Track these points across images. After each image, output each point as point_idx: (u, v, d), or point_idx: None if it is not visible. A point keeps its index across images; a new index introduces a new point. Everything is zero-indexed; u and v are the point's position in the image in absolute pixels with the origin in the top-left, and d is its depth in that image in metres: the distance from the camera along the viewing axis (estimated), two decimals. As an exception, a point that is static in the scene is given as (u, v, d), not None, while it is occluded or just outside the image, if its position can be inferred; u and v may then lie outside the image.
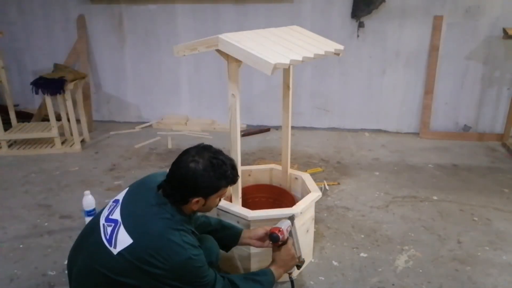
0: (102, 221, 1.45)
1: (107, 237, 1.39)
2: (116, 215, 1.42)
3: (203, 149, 1.48)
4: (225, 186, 1.49)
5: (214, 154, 1.46)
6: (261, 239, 1.72)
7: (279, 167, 2.27)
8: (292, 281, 1.70)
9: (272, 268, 1.62)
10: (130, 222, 1.39)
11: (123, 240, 1.35)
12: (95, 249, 1.41)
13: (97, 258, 1.39)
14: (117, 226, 1.39)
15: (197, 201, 1.44)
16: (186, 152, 1.47)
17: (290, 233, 1.66)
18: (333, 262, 2.11)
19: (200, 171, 1.40)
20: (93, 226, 1.48)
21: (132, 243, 1.34)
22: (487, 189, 2.90)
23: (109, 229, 1.40)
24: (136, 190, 1.52)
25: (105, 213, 1.48)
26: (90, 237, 1.47)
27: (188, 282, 1.39)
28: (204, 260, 1.43)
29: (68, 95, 3.54)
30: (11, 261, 2.12)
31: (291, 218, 1.68)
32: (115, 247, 1.35)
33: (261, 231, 1.71)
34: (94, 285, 1.41)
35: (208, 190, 1.45)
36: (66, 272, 1.57)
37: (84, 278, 1.43)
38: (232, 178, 1.50)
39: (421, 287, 1.92)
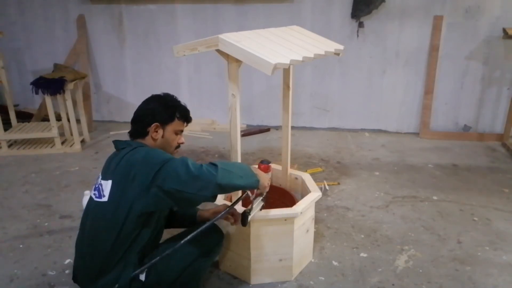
0: (91, 194, 1.59)
1: (97, 196, 1.53)
2: (97, 182, 1.57)
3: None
4: (180, 118, 1.66)
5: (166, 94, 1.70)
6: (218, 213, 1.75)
7: (279, 167, 2.27)
8: (245, 215, 1.66)
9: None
10: (109, 172, 1.53)
11: (106, 185, 1.50)
12: (94, 216, 1.53)
13: (99, 222, 1.50)
14: (100, 185, 1.54)
15: (155, 129, 1.59)
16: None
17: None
18: (333, 262, 2.11)
19: (153, 101, 1.64)
20: (85, 212, 1.62)
21: (112, 182, 1.49)
22: (487, 189, 2.90)
23: (95, 192, 1.55)
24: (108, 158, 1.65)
25: (91, 193, 1.61)
26: (87, 216, 1.58)
27: (151, 165, 1.43)
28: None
29: (68, 95, 3.54)
30: (11, 261, 2.12)
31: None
32: (104, 196, 1.49)
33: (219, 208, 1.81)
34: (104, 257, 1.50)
35: (162, 115, 1.61)
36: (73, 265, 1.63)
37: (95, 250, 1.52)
38: (184, 110, 1.69)
39: (421, 287, 1.93)
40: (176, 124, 1.65)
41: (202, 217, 1.85)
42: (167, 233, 1.77)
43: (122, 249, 1.49)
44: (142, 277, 1.52)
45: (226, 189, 1.47)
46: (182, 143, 1.71)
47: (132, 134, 1.64)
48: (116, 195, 1.47)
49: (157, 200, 1.43)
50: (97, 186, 1.55)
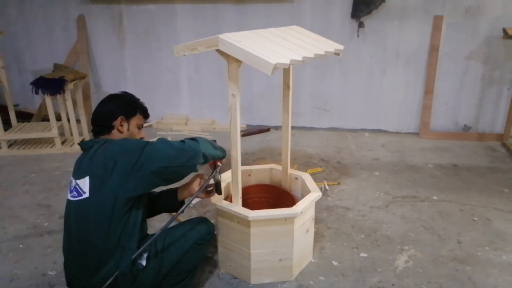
0: (68, 197, 1.59)
1: (76, 196, 1.53)
2: (72, 184, 1.59)
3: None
4: (140, 113, 1.74)
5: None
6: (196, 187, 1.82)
7: (279, 167, 2.27)
8: (218, 185, 1.81)
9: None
10: (81, 170, 1.55)
11: (84, 183, 1.52)
12: (78, 216, 1.53)
13: (85, 219, 1.51)
14: (75, 184, 1.55)
15: (121, 122, 1.66)
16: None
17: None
18: (333, 262, 2.11)
19: (115, 99, 1.74)
20: (67, 217, 1.61)
21: (89, 177, 1.50)
22: (487, 189, 2.90)
23: (74, 193, 1.55)
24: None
25: (68, 196, 1.61)
26: (70, 218, 1.58)
27: (129, 153, 1.49)
28: None
29: (68, 95, 3.54)
30: (11, 261, 2.13)
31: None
32: (85, 193, 1.51)
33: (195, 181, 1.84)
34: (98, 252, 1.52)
35: (126, 109, 1.69)
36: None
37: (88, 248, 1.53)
38: (143, 106, 1.77)
39: (421, 287, 1.93)
40: (138, 119, 1.74)
41: (183, 196, 1.89)
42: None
43: (115, 237, 1.51)
44: (143, 262, 1.57)
45: (207, 158, 1.62)
46: (143, 137, 1.77)
47: (97, 132, 1.68)
48: (97, 187, 1.49)
49: (145, 183, 1.49)
50: (72, 188, 1.56)
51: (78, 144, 1.66)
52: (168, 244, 1.66)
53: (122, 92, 1.80)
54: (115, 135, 1.67)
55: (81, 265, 1.55)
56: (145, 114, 1.79)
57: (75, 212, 1.55)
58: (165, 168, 1.47)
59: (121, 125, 1.67)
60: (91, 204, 1.50)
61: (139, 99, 1.79)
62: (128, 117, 1.70)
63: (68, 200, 1.58)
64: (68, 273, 1.64)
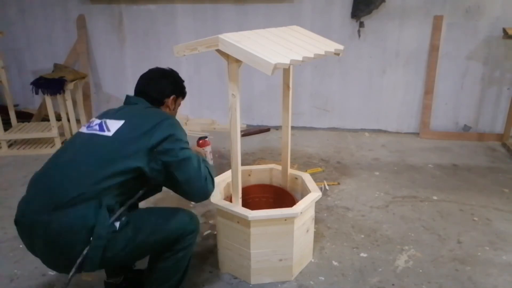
0: (83, 130, 1.55)
1: (98, 130, 1.49)
2: (97, 121, 1.55)
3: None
4: (184, 96, 1.81)
5: None
6: None
7: (279, 167, 2.27)
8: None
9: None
10: (119, 114, 1.56)
11: (115, 124, 1.50)
12: (88, 144, 1.47)
13: (94, 149, 1.44)
14: (103, 121, 1.52)
15: (173, 99, 1.73)
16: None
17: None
18: (333, 262, 2.11)
19: (170, 75, 1.77)
20: (65, 146, 1.54)
21: (125, 122, 1.50)
22: (487, 189, 2.90)
23: (95, 127, 1.51)
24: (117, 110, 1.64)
25: (81, 129, 1.57)
26: (67, 148, 1.51)
27: (173, 141, 1.49)
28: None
29: (68, 95, 3.54)
30: (11, 261, 2.13)
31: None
32: (108, 131, 1.47)
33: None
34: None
35: (179, 88, 1.76)
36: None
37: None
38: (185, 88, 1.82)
39: (421, 287, 1.93)
40: (181, 100, 1.81)
41: None
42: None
43: (103, 187, 1.38)
44: (117, 224, 1.40)
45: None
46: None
47: (146, 101, 1.68)
48: (125, 134, 1.46)
49: (155, 171, 1.48)
50: (93, 124, 1.53)
51: (126, 96, 1.69)
52: (146, 219, 1.50)
53: (169, 68, 1.82)
54: (163, 110, 1.72)
55: (47, 198, 1.36)
56: (184, 97, 1.85)
57: (82, 142, 1.48)
58: (183, 182, 1.51)
59: (173, 101, 1.75)
60: (106, 143, 1.44)
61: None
62: (179, 97, 1.77)
63: (79, 132, 1.55)
64: (24, 207, 1.43)
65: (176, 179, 1.51)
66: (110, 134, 1.46)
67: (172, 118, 1.57)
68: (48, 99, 3.49)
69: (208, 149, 1.92)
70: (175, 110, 1.79)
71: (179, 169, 1.50)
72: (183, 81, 1.82)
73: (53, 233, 1.34)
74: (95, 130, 1.49)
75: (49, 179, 1.42)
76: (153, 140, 1.45)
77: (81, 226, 1.34)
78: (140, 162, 1.44)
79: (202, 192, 1.57)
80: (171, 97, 1.73)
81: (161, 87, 1.71)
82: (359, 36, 3.82)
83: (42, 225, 1.35)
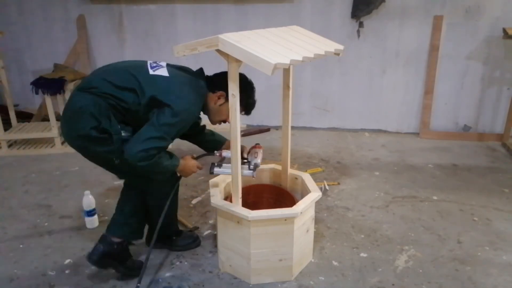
0: (148, 61, 1.84)
1: (151, 64, 1.80)
2: (161, 64, 1.85)
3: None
4: (245, 108, 1.90)
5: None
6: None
7: (279, 167, 2.27)
8: (212, 165, 2.00)
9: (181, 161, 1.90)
10: (171, 70, 1.82)
11: (161, 71, 1.78)
12: (137, 63, 1.83)
13: (135, 66, 1.78)
14: (160, 66, 1.82)
15: (219, 96, 1.84)
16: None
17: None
18: (333, 262, 2.11)
19: (248, 84, 1.88)
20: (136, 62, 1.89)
21: (167, 76, 1.76)
22: (487, 189, 2.90)
23: (153, 64, 1.82)
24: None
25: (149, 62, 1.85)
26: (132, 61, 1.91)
27: (165, 112, 1.68)
28: (182, 126, 1.76)
29: (68, 95, 3.53)
30: (11, 261, 2.13)
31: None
32: (153, 71, 1.76)
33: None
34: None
35: (242, 99, 1.74)
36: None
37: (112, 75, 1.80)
38: (251, 104, 1.92)
39: (421, 287, 1.93)
40: (228, 107, 1.80)
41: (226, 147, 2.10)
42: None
43: (119, 101, 1.70)
44: (126, 134, 1.73)
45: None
46: (227, 121, 1.86)
47: (206, 80, 1.88)
48: (153, 82, 1.72)
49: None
50: (157, 63, 1.84)
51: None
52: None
53: (250, 80, 1.90)
54: (208, 97, 1.85)
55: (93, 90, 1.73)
56: (247, 111, 1.94)
57: (137, 63, 1.84)
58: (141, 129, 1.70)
59: (218, 98, 1.84)
60: (139, 73, 1.73)
61: (255, 101, 1.94)
62: (226, 101, 1.79)
63: (144, 62, 1.86)
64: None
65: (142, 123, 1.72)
66: (150, 72, 1.75)
67: (189, 104, 1.72)
68: (48, 99, 3.49)
69: (259, 151, 2.06)
70: (221, 108, 1.85)
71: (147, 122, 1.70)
72: (250, 97, 1.90)
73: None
74: (150, 63, 1.80)
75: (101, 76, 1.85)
76: (161, 98, 1.68)
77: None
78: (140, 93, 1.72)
79: (132, 145, 1.67)
80: (219, 93, 1.82)
81: (220, 80, 1.78)
82: (359, 36, 3.82)
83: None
